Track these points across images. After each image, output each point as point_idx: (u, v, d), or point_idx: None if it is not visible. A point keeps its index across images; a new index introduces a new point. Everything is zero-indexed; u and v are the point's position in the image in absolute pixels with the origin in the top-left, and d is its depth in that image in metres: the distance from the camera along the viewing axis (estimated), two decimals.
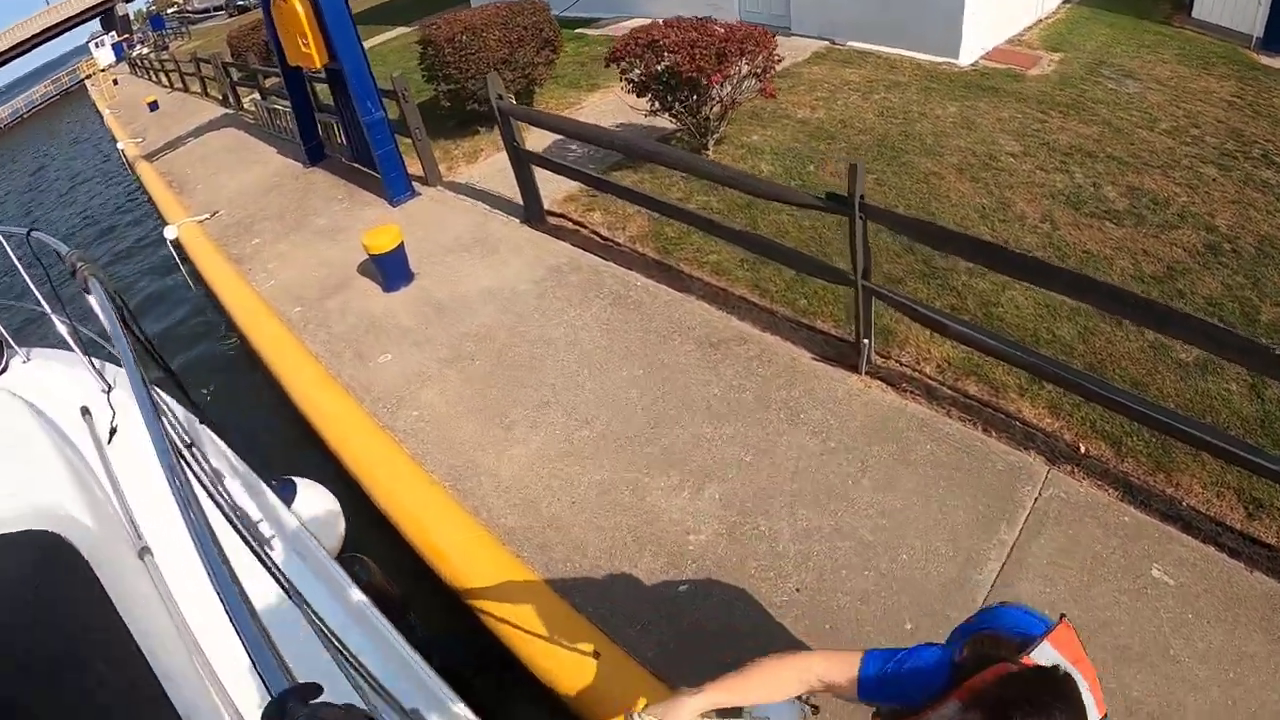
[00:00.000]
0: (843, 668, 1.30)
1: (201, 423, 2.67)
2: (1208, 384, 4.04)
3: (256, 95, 10.41)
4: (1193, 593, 2.75)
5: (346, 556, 2.84)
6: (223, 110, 12.76)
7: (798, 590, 2.76)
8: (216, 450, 2.54)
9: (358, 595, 2.02)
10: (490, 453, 3.69)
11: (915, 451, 3.20)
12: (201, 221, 7.45)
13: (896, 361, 3.92)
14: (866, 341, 3.62)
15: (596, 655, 2.59)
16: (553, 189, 5.85)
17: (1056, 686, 1.00)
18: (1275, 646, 2.64)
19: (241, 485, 2.46)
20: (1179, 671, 2.49)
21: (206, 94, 15.51)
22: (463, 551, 3.11)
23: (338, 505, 3.00)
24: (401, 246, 5.10)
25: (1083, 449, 3.36)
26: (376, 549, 3.25)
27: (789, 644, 2.62)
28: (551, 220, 5.88)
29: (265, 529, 2.24)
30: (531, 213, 5.81)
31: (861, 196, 3.10)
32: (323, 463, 3.92)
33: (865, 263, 3.34)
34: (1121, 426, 3.47)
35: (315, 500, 2.88)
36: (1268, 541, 3.33)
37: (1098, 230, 5.29)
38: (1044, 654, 1.10)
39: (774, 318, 4.35)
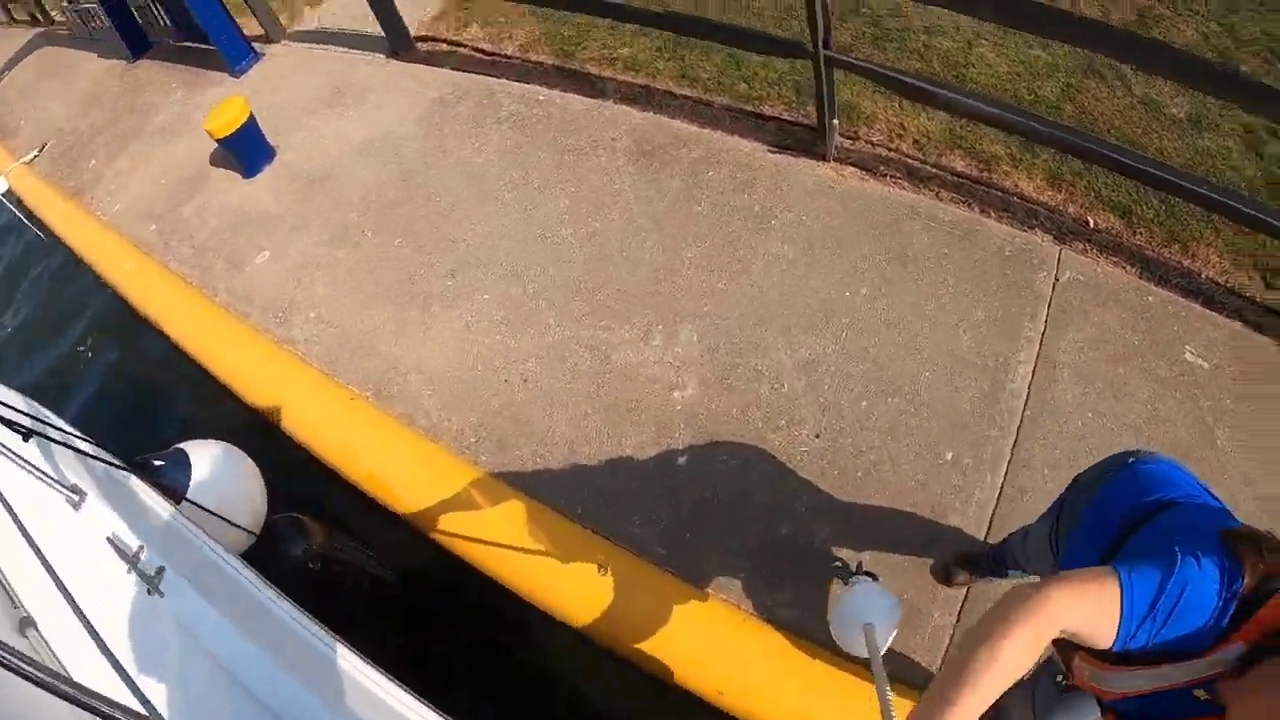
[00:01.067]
0: (1096, 610, 1.08)
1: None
2: (1205, 141, 4.17)
3: (64, 2, 9.65)
4: (1228, 375, 2.87)
5: (281, 518, 2.55)
6: (34, 31, 11.82)
7: (816, 436, 2.82)
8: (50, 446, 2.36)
9: (259, 592, 1.98)
10: (410, 341, 3.54)
11: (911, 245, 3.06)
12: (32, 161, 6.85)
13: (867, 142, 3.79)
14: (834, 122, 3.67)
15: (603, 569, 2.45)
16: (417, 11, 5.48)
17: None
18: None
19: (93, 480, 2.32)
20: (1227, 462, 2.65)
21: (13, 20, 14.13)
22: (408, 475, 3.02)
23: (251, 465, 2.84)
24: (251, 120, 4.64)
25: (1091, 222, 3.32)
26: (328, 496, 3.21)
27: (817, 506, 2.69)
28: (423, 47, 5.45)
29: (127, 532, 2.16)
30: (397, 43, 5.38)
31: None
32: (239, 409, 3.78)
33: (826, 27, 3.27)
34: (1129, 193, 3.47)
35: (219, 468, 2.71)
36: None
37: None
38: None
39: (712, 110, 4.22)
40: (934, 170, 3.57)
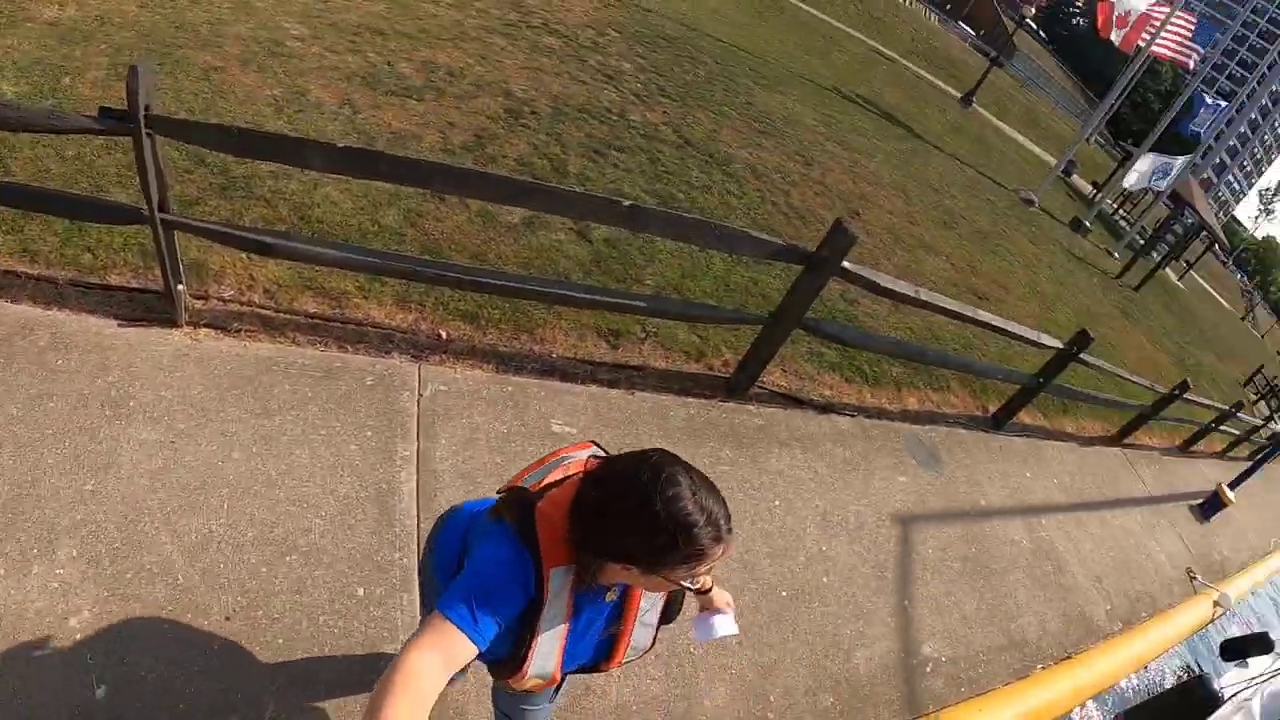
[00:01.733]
0: (444, 641, 1.47)
1: None
2: (539, 238, 5.68)
3: None
4: (591, 434, 4.33)
5: None
6: None
7: (227, 619, 3.07)
8: None
9: None
10: None
11: (275, 397, 3.86)
12: None
13: (218, 299, 4.39)
14: (180, 287, 3.88)
15: None
16: None
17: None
18: (676, 446, 4.19)
19: None
20: None
21: None
22: None
23: None
24: None
25: (444, 334, 4.61)
26: None
27: (251, 689, 2.93)
28: None
29: None
30: None
31: (148, 107, 3.25)
32: None
33: (161, 191, 3.53)
34: (474, 300, 4.93)
35: None
36: (635, 364, 5.00)
37: (400, 108, 6.87)
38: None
39: (58, 287, 4.24)
40: (288, 316, 4.39)
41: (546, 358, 4.78)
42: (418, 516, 3.55)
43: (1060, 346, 7.76)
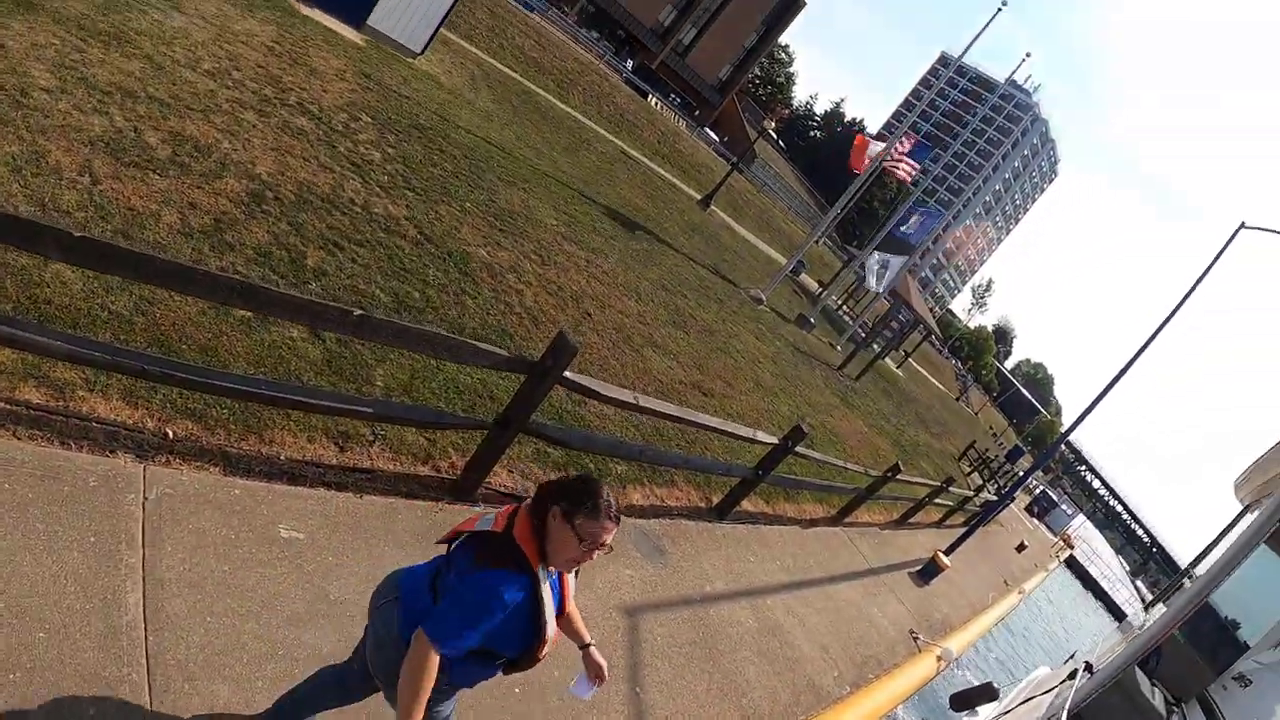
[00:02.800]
0: (416, 652, 2.72)
1: None
2: (271, 335, 5.97)
3: None
4: (320, 538, 4.57)
5: None
6: None
7: None
8: None
9: None
10: None
11: None
12: None
13: None
14: None
15: None
16: None
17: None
18: (403, 550, 4.88)
19: None
20: (345, 610, 4.23)
21: None
22: None
23: None
24: None
25: (170, 433, 4.76)
26: None
27: None
28: None
29: None
30: None
31: None
32: None
33: None
34: (202, 399, 5.07)
35: None
36: (364, 467, 5.37)
37: (141, 182, 6.88)
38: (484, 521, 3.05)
39: None
40: (8, 408, 4.31)
41: (275, 460, 5.01)
42: (144, 629, 3.65)
43: (776, 442, 8.84)
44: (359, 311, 4.49)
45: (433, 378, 7.18)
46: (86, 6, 9.24)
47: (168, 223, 6.54)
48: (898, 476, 13.40)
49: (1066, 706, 5.41)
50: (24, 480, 3.91)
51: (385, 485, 5.59)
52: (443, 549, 3.22)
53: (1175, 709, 6.22)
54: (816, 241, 40.24)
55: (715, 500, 9.61)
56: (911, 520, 17.46)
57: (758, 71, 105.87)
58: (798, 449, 9.11)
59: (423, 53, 20.60)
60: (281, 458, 5.09)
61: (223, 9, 12.25)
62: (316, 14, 16.96)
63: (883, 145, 28.52)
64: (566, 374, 5.53)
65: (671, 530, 8.26)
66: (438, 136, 14.50)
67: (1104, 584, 53.01)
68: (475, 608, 2.72)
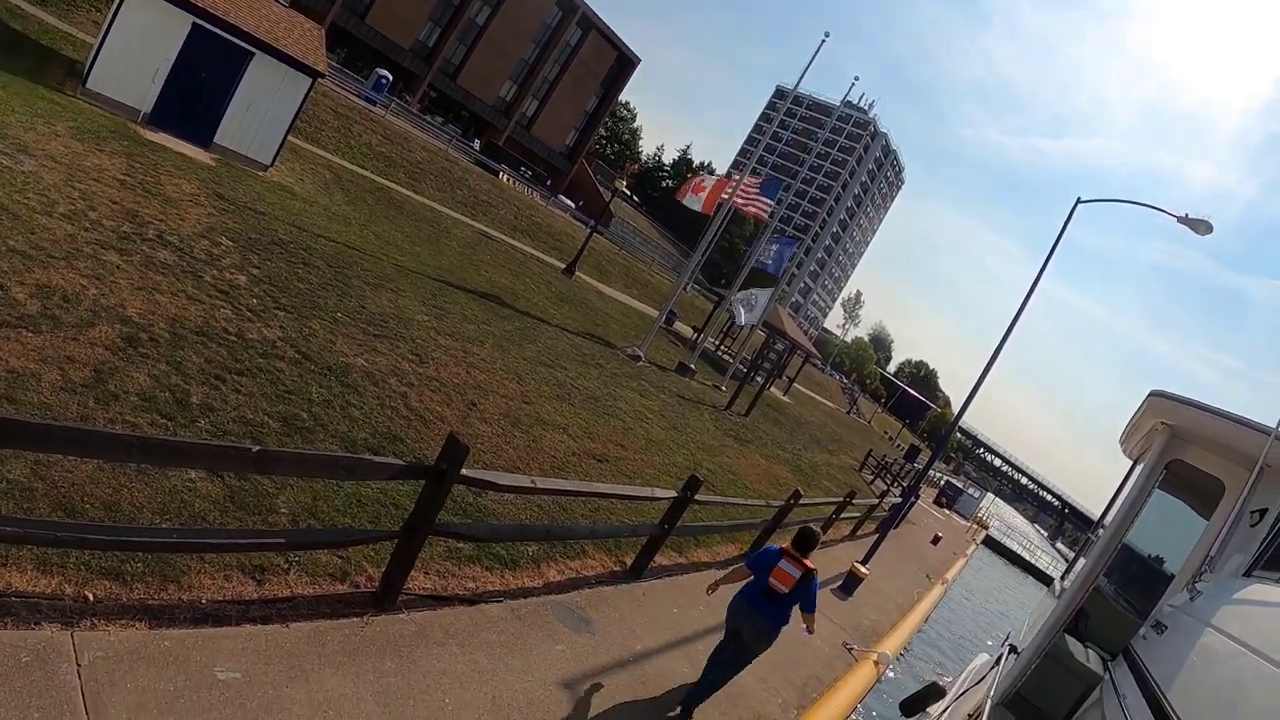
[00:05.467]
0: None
1: None
2: (170, 481, 6.14)
3: None
4: (256, 674, 4.73)
5: None
6: None
7: None
8: None
9: None
10: None
11: None
12: None
13: None
14: None
15: None
16: None
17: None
18: (338, 671, 5.10)
19: None
20: None
21: None
22: None
23: None
24: None
25: (90, 595, 4.86)
26: None
27: None
28: None
29: None
30: None
31: None
32: None
33: None
34: (115, 556, 5.17)
35: None
36: (284, 595, 5.56)
37: (16, 341, 6.90)
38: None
39: None
40: None
41: (197, 605, 5.15)
42: None
43: (675, 495, 9.26)
44: (257, 448, 4.74)
45: (335, 495, 7.34)
46: None
47: (49, 381, 6.58)
48: (801, 501, 14.00)
49: (991, 696, 5.80)
50: None
51: (308, 609, 5.76)
52: None
53: (1108, 666, 6.59)
54: (684, 288, 41.32)
55: (629, 561, 9.98)
56: (824, 540, 18.11)
57: (603, 132, 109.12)
58: (698, 497, 9.53)
59: (273, 164, 20.82)
60: (203, 601, 5.23)
61: (70, 146, 12.22)
62: (163, 137, 17.13)
63: (714, 178, 29.90)
64: (464, 471, 5.86)
65: (593, 599, 8.57)
66: (299, 249, 14.70)
67: (1025, 554, 55.37)
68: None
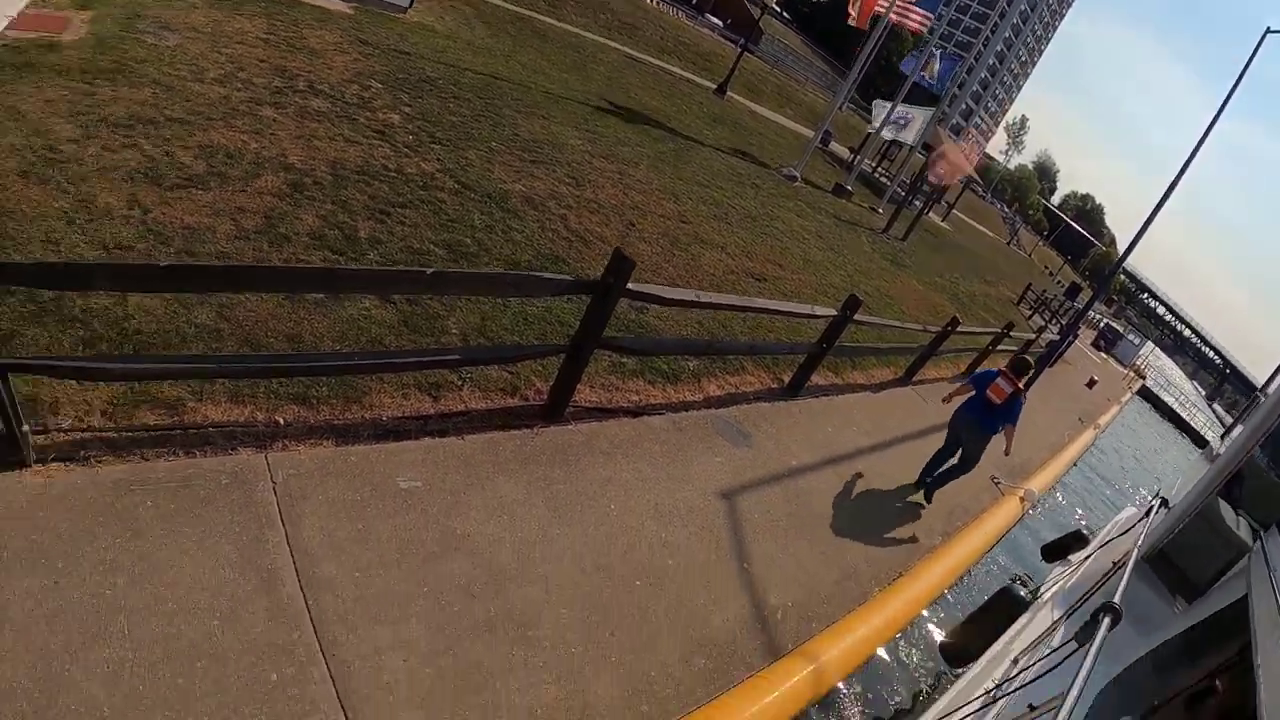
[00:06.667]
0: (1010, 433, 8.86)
1: None
2: (345, 310, 6.17)
3: None
4: (435, 482, 4.84)
5: None
6: None
7: None
8: None
9: None
10: None
11: (141, 517, 4.12)
12: None
13: (60, 431, 4.56)
14: (25, 428, 4.07)
15: None
16: None
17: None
18: (512, 477, 5.19)
19: None
20: (472, 542, 4.47)
21: None
22: None
23: None
24: None
25: (280, 421, 5.02)
26: None
27: None
28: None
29: None
30: None
31: None
32: None
33: None
34: (300, 383, 5.33)
35: None
36: (459, 410, 5.64)
37: (189, 201, 7.02)
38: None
39: None
40: (131, 435, 4.57)
41: (379, 422, 5.26)
42: (303, 595, 3.96)
43: (834, 314, 8.89)
44: (431, 270, 4.66)
45: (501, 315, 7.36)
46: (82, 50, 9.25)
47: (224, 232, 6.69)
48: (958, 329, 13.36)
49: (1138, 545, 5.45)
50: (164, 494, 4.18)
51: (482, 422, 5.85)
52: None
53: (1259, 537, 6.15)
54: (840, 108, 39.34)
55: (786, 379, 9.79)
56: (979, 370, 17.22)
57: None
58: (856, 317, 9.16)
59: (410, 6, 20.25)
60: (384, 418, 5.34)
61: (210, 15, 12.17)
62: None
63: None
64: (629, 285, 5.65)
65: (750, 414, 8.47)
66: (448, 84, 14.46)
67: (1180, 411, 51.80)
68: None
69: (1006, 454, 9.21)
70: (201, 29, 11.55)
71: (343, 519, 4.43)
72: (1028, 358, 8.53)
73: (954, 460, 9.28)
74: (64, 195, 6.36)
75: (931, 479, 9.29)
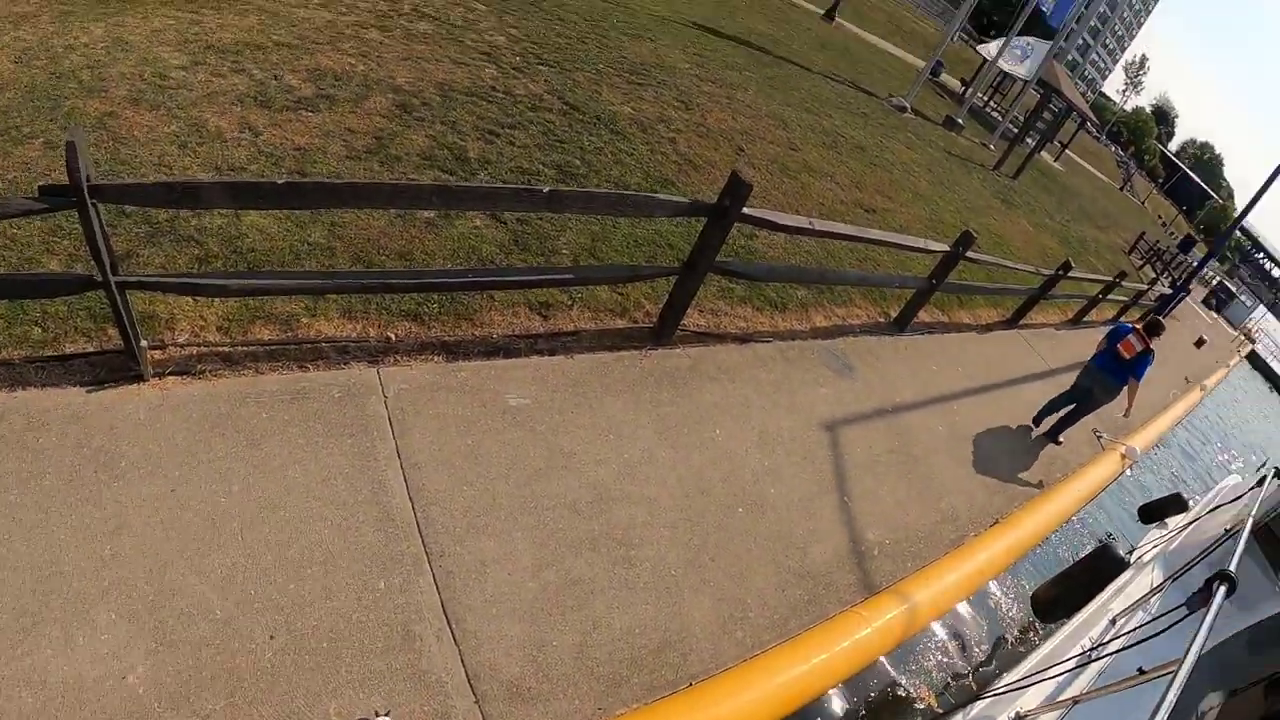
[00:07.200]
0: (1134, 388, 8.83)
1: None
2: (456, 228, 6.12)
3: None
4: (544, 400, 4.78)
5: None
6: None
7: (271, 638, 3.42)
8: None
9: None
10: None
11: (254, 427, 4.19)
12: None
13: (176, 346, 4.64)
14: (143, 343, 4.13)
15: None
16: None
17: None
18: (619, 398, 5.10)
19: None
20: (577, 460, 4.43)
21: None
22: None
23: None
24: None
25: (392, 336, 5.00)
26: None
27: (310, 694, 3.31)
28: None
29: None
30: None
31: (89, 178, 3.45)
32: None
33: (109, 255, 3.76)
34: (413, 300, 5.30)
35: None
36: (569, 330, 5.52)
37: (299, 123, 7.02)
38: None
39: (15, 368, 4.43)
40: (245, 349, 4.64)
41: (489, 340, 5.21)
42: (411, 507, 3.96)
43: (947, 249, 8.46)
44: (547, 188, 4.52)
45: (612, 236, 7.22)
46: None
47: (334, 152, 6.66)
48: (1069, 274, 12.64)
49: (1253, 514, 5.09)
50: (278, 406, 4.22)
51: (591, 343, 5.75)
52: None
53: None
54: (952, 38, 37.48)
55: (893, 314, 9.46)
56: (1086, 319, 16.63)
57: None
58: (968, 254, 8.75)
59: None
60: (494, 336, 5.27)
61: None
62: None
63: None
64: (745, 210, 5.44)
65: (856, 347, 8.21)
66: (553, 5, 14.21)
67: None
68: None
69: (1126, 415, 9.35)
70: None
71: (452, 433, 4.41)
72: (1161, 320, 8.53)
73: (1071, 407, 9.30)
74: (174, 120, 6.39)
75: (1057, 420, 9.44)
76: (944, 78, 43.44)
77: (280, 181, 3.79)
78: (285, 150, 6.44)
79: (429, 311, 5.30)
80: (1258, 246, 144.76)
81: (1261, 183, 16.48)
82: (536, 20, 12.90)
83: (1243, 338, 46.05)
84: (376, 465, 4.10)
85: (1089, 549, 6.86)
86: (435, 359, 4.87)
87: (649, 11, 17.88)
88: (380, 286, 4.59)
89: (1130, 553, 6.88)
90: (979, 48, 30.21)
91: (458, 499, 4.10)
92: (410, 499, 4.01)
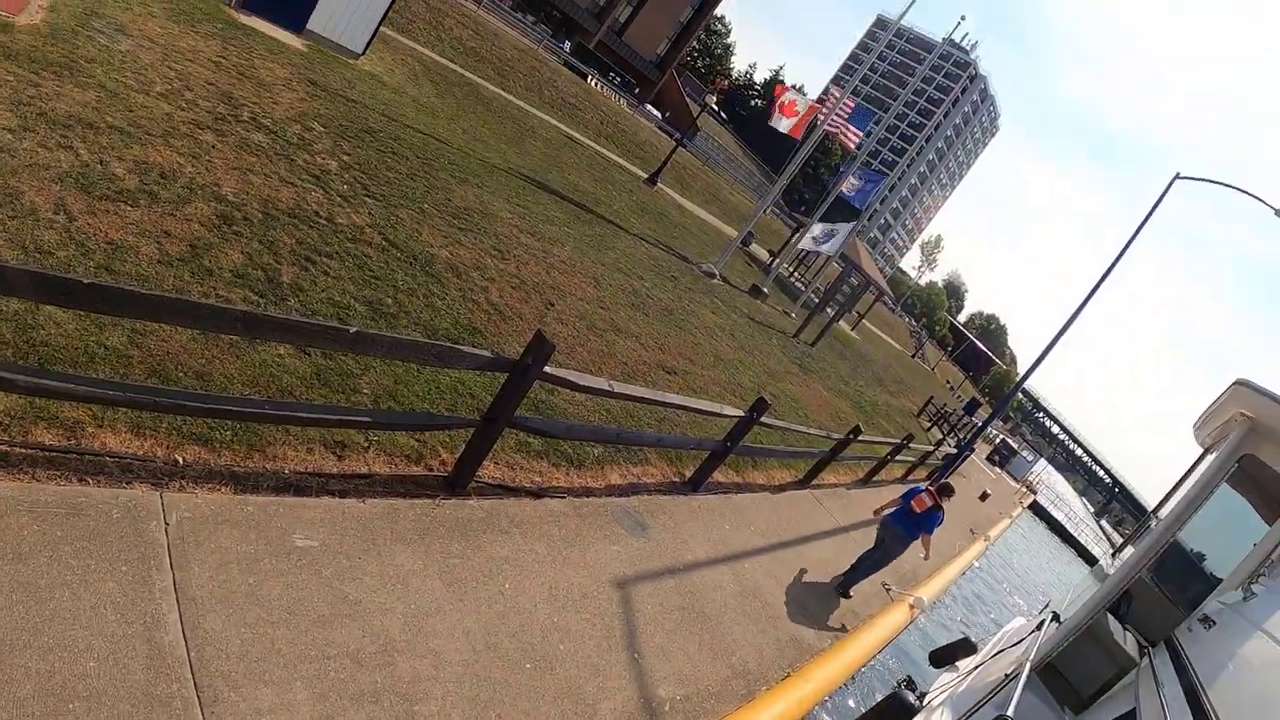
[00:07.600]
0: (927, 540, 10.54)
1: None
2: (260, 355, 6.24)
3: None
4: (332, 544, 4.88)
5: None
6: None
7: None
8: None
9: None
10: None
11: (26, 541, 3.99)
12: None
13: None
14: None
15: None
16: None
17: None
18: (409, 547, 5.22)
19: None
20: (363, 609, 4.52)
21: None
22: None
23: None
24: None
25: (180, 459, 5.00)
26: None
27: None
28: None
29: None
30: None
31: None
32: None
33: None
34: (205, 424, 5.31)
35: None
36: (363, 472, 5.66)
37: (115, 215, 6.96)
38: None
39: None
40: (24, 451, 4.47)
41: (280, 474, 5.27)
42: (186, 646, 3.90)
43: (742, 415, 9.21)
44: (354, 328, 4.75)
45: (415, 381, 7.43)
46: (34, 37, 9.19)
47: (146, 254, 6.66)
48: (860, 437, 13.88)
49: (1030, 658, 5.73)
50: (50, 520, 4.09)
51: (384, 488, 5.88)
52: None
53: (1146, 652, 6.45)
54: (764, 211, 40.72)
55: (688, 474, 10.01)
56: (876, 478, 18.01)
57: (695, 45, 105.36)
58: (762, 419, 9.50)
59: (364, 53, 20.61)
60: (286, 471, 5.35)
61: (166, 27, 12.16)
62: (256, 22, 16.96)
63: (806, 100, 28.82)
64: (546, 369, 5.86)
65: (650, 505, 8.63)
66: (388, 139, 14.63)
67: (1069, 526, 53.79)
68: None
69: (925, 558, 11.13)
70: (156, 39, 11.60)
71: (234, 570, 4.40)
72: (951, 484, 10.16)
73: (862, 560, 10.72)
74: None
75: (844, 575, 10.58)
76: (754, 247, 46.89)
77: (87, 281, 3.74)
78: (97, 242, 6.39)
79: (221, 438, 5.30)
80: (1038, 406, 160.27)
81: (1041, 349, 18.85)
82: (371, 150, 13.25)
83: (1025, 490, 50.65)
84: (152, 597, 4.03)
85: (881, 696, 7.37)
86: (223, 489, 4.86)
87: (480, 158, 18.69)
88: (173, 406, 4.57)
89: (922, 697, 7.44)
90: (799, 243, 33.24)
91: (235, 641, 4.07)
92: (185, 637, 3.95)
